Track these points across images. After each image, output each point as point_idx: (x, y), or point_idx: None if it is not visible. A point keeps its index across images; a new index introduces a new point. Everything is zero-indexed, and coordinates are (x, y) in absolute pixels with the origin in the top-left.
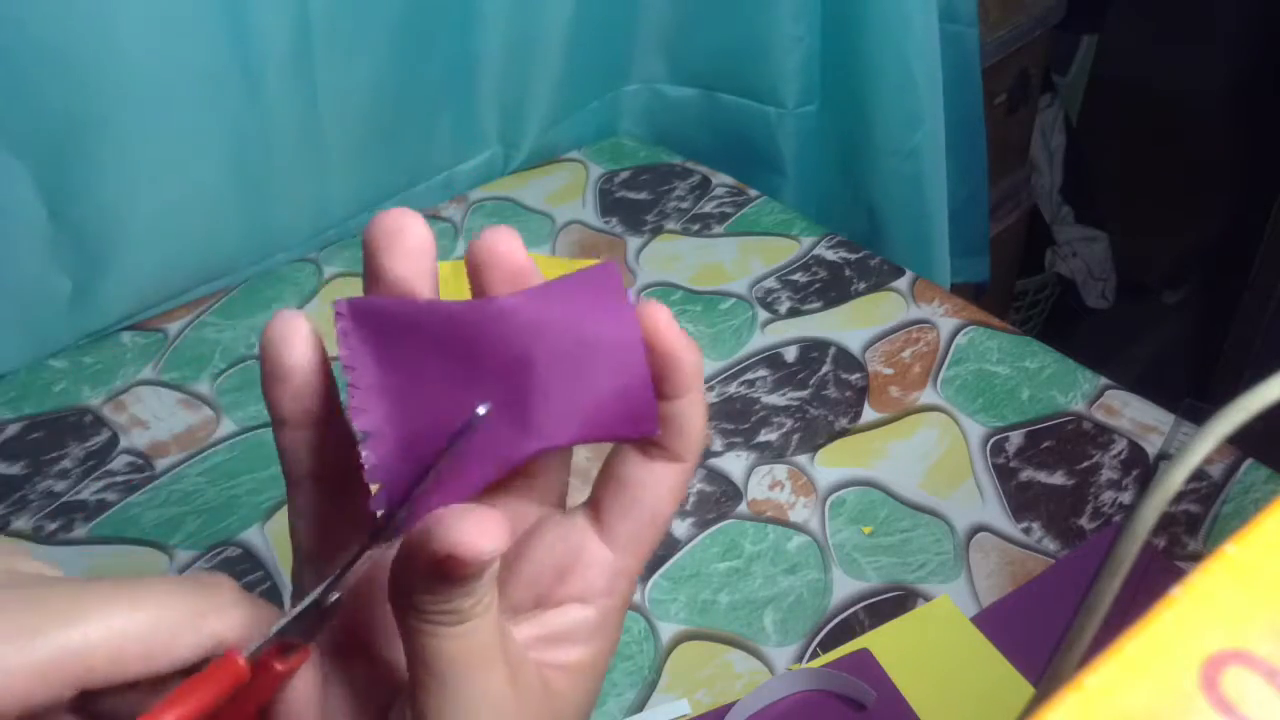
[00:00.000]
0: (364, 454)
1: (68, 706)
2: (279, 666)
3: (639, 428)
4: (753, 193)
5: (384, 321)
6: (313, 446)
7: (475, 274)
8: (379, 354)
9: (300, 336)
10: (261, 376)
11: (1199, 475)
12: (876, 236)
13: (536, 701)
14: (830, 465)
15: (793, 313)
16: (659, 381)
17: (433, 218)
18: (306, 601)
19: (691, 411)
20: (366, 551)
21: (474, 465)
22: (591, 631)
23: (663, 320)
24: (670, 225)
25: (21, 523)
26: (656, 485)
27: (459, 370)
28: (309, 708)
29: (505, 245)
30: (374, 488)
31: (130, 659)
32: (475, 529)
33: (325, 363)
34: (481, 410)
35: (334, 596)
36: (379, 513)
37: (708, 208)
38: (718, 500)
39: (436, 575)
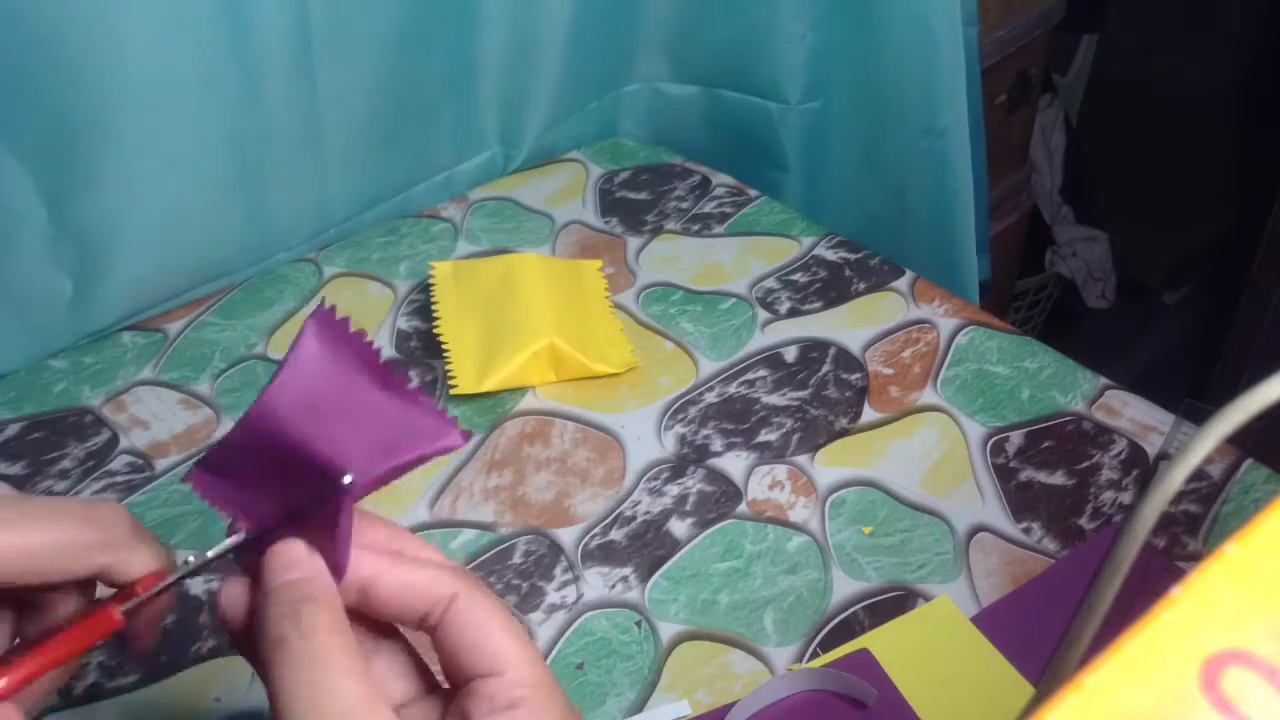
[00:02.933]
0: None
1: None
2: (138, 589)
3: (439, 443)
4: (752, 193)
5: (224, 466)
6: None
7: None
8: (233, 489)
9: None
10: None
11: (1199, 475)
12: (903, 220)
13: None
14: (830, 465)
15: (793, 313)
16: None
17: (433, 218)
18: (177, 576)
19: (405, 578)
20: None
21: (321, 517)
22: None
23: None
24: (670, 225)
25: None
26: (459, 627)
27: (278, 461)
28: (153, 617)
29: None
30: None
31: (22, 575)
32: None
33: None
34: (346, 480)
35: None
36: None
37: (708, 208)
38: (718, 500)
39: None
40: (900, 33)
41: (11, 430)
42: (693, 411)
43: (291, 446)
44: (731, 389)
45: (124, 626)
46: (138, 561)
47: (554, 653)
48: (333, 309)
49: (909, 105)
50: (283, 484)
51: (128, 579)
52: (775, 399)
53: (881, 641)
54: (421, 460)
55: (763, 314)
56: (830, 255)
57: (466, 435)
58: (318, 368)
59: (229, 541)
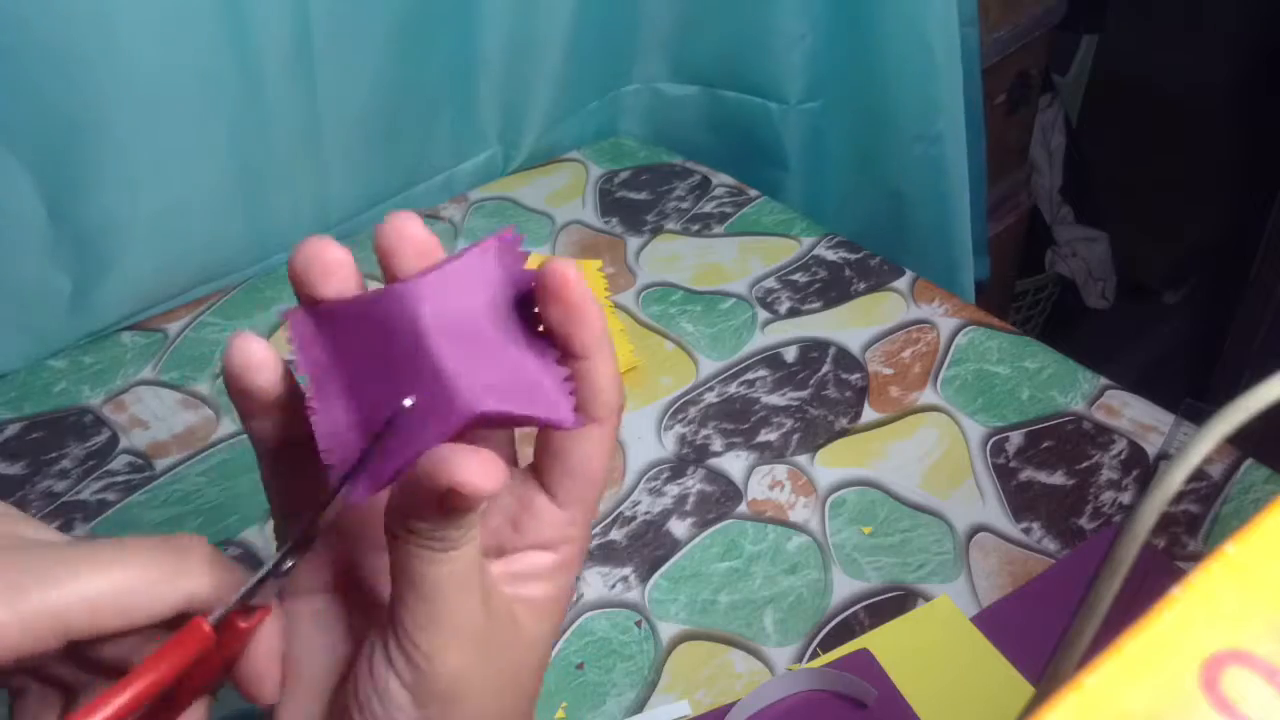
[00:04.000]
0: (320, 441)
1: (60, 654)
2: (242, 625)
3: (553, 414)
4: (752, 193)
5: (325, 324)
6: (277, 427)
7: (384, 259)
8: (325, 354)
9: (262, 362)
10: (229, 391)
11: (1199, 475)
12: (899, 224)
13: (504, 628)
14: (830, 465)
15: (793, 313)
16: (565, 339)
17: (432, 218)
18: (265, 570)
19: (600, 371)
20: (318, 520)
21: (413, 442)
22: (551, 572)
23: (571, 278)
24: (670, 225)
25: None
26: (582, 447)
27: (387, 355)
28: (271, 657)
29: (411, 227)
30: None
31: (106, 616)
32: (477, 468)
33: (286, 374)
34: (407, 403)
35: (289, 564)
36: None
37: (708, 208)
38: (718, 500)
39: (438, 506)
40: (896, 42)
41: (11, 430)
42: (693, 411)
43: (411, 343)
44: (731, 389)
45: (214, 640)
46: (222, 583)
47: (554, 653)
48: (520, 238)
49: (904, 111)
50: (376, 374)
51: (215, 603)
52: (775, 399)
53: (881, 641)
54: (526, 422)
55: (763, 314)
56: (830, 255)
57: (580, 420)
58: (478, 284)
59: (286, 549)
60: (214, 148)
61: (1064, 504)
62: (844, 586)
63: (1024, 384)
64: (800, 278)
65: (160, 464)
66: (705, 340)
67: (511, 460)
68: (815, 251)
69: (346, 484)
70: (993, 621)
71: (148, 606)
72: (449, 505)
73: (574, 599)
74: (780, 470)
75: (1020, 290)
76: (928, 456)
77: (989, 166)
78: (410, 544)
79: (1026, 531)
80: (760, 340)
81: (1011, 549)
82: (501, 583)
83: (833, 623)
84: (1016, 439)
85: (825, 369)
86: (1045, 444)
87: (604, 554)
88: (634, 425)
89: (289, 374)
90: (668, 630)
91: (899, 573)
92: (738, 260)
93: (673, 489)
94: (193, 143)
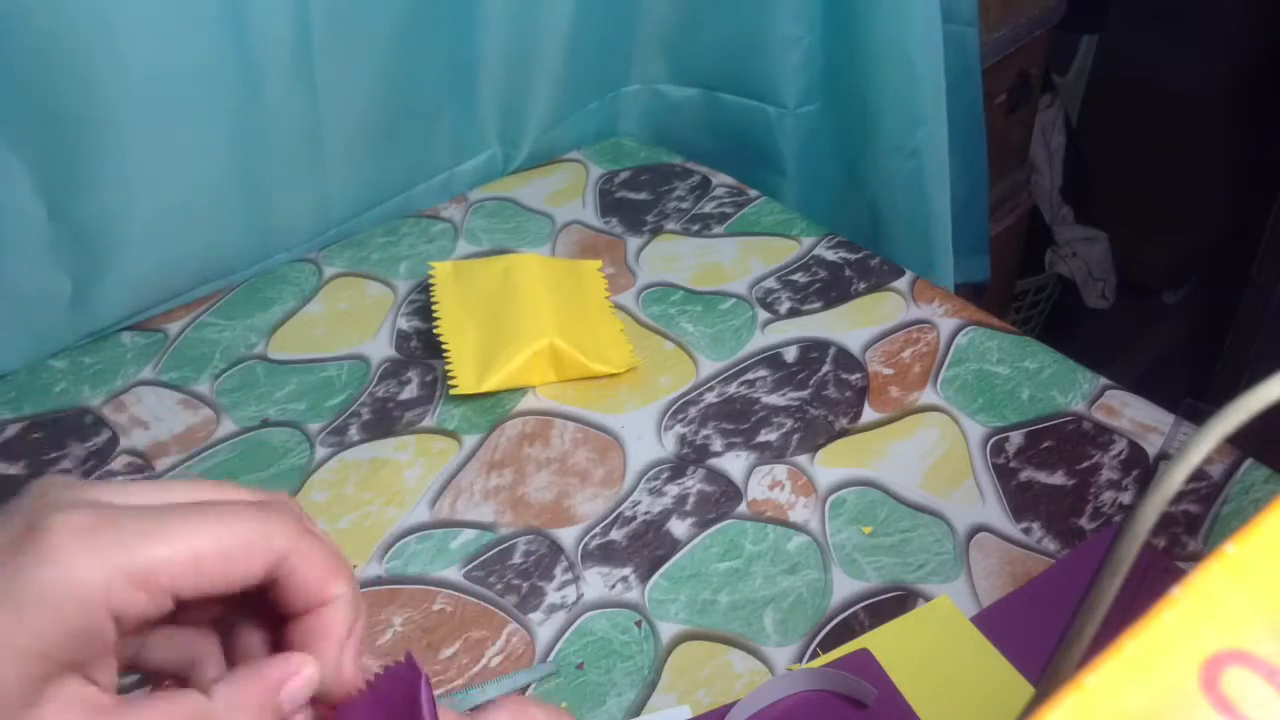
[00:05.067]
0: None
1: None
2: None
3: None
4: (752, 193)
5: None
6: None
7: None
8: None
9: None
10: None
11: (1199, 475)
12: (879, 235)
13: None
14: (830, 465)
15: (793, 313)
16: None
17: (433, 218)
18: None
19: None
20: None
21: None
22: None
23: None
24: (670, 225)
25: None
26: None
27: None
28: None
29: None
30: None
31: (210, 572)
32: None
33: None
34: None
35: None
36: None
37: (708, 208)
38: (717, 500)
39: None
40: (879, 50)
41: (11, 430)
42: (693, 411)
43: None
44: (731, 389)
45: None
46: (309, 546)
47: (554, 653)
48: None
49: (885, 121)
50: None
51: (308, 576)
52: (775, 399)
53: (881, 641)
54: None
55: (763, 314)
56: (830, 255)
57: None
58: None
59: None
60: (214, 148)
61: (1064, 504)
62: (844, 586)
63: (1024, 384)
64: (800, 278)
65: (160, 464)
66: (705, 340)
67: None
68: (815, 251)
69: None
70: (993, 621)
71: (246, 563)
72: None
73: (577, 598)
74: (780, 470)
75: (1020, 290)
76: (928, 456)
77: (989, 166)
78: None
79: (1026, 531)
80: (760, 340)
81: (1011, 549)
82: None
83: (833, 623)
84: (1016, 439)
85: (825, 369)
86: (1045, 444)
87: (604, 554)
88: (634, 425)
89: None
90: (668, 630)
91: (899, 573)
92: (738, 260)
93: (673, 489)
94: (193, 143)
